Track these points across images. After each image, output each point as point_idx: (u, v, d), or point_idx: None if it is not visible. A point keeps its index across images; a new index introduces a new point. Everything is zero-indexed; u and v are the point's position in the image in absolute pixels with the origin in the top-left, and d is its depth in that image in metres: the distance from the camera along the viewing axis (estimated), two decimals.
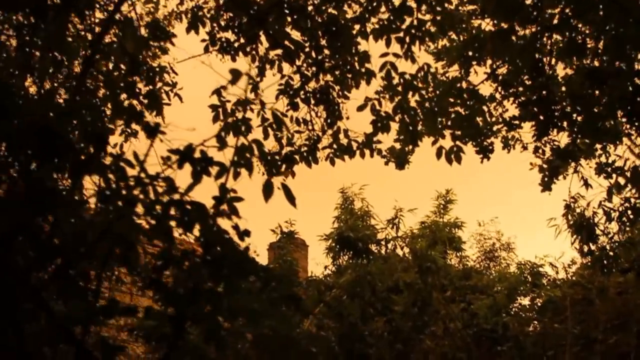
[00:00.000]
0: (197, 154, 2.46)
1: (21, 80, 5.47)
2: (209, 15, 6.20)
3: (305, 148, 5.16)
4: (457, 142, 5.36)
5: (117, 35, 6.77)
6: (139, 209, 2.29)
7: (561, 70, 7.31)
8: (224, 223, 2.51)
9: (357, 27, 5.31)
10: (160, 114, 6.59)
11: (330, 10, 5.01)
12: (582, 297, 9.35)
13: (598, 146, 7.76)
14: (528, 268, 10.55)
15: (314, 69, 5.63)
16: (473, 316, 8.35)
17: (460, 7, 6.24)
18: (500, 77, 6.64)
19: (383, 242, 9.01)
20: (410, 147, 7.40)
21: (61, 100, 5.98)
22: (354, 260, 8.86)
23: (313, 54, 5.64)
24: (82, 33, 6.44)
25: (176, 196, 2.37)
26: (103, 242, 2.26)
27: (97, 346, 2.29)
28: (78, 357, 2.16)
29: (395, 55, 3.79)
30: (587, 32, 6.47)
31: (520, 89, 6.74)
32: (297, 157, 5.16)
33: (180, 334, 2.38)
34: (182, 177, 2.31)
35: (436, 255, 8.58)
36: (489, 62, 6.67)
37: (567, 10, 6.19)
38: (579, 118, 7.03)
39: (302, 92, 5.56)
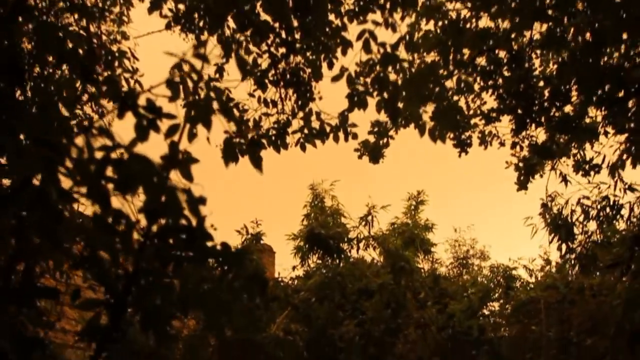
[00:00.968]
0: (142, 102, 2.02)
1: None
2: None
3: (274, 132, 4.74)
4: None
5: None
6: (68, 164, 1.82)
7: (539, 63, 7.15)
8: None
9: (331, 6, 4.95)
10: (118, 100, 6.08)
11: None
12: (556, 300, 9.18)
13: (575, 144, 7.61)
14: (501, 271, 10.36)
15: (283, 49, 5.23)
16: (448, 319, 8.03)
17: None
18: (479, 67, 6.38)
19: (355, 241, 8.61)
20: (385, 140, 7.10)
21: None
22: (324, 260, 8.44)
23: (283, 34, 5.25)
24: None
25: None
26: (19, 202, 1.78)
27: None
28: None
29: (375, 22, 3.42)
30: (566, 23, 6.29)
31: (500, 81, 6.50)
32: (264, 141, 4.73)
33: (117, 324, 1.92)
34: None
35: (409, 255, 8.25)
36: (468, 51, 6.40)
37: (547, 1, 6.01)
38: (557, 114, 6.86)
39: (270, 74, 5.14)
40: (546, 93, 6.78)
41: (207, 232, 2.11)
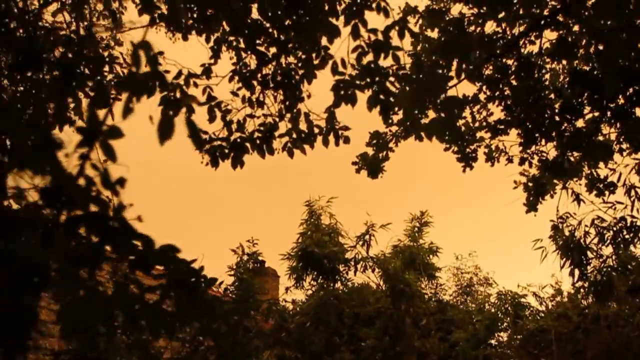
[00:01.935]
0: None
1: None
2: None
3: (259, 134, 4.32)
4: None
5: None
6: None
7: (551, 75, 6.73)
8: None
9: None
10: (107, 106, 5.70)
11: None
12: (568, 330, 8.57)
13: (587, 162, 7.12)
14: (509, 299, 9.77)
15: (274, 49, 4.85)
16: (450, 348, 7.45)
17: None
18: (485, 75, 5.96)
19: (352, 262, 8.08)
20: (385, 152, 6.65)
21: None
22: (318, 281, 7.90)
23: (275, 33, 4.88)
24: None
25: None
26: None
27: None
28: None
29: (365, 5, 3.03)
30: (577, 30, 5.90)
31: (507, 91, 6.07)
32: (248, 144, 4.31)
33: None
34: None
35: (410, 278, 7.70)
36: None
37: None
38: (569, 127, 6.40)
39: (259, 75, 4.75)
40: (557, 106, 6.34)
41: (126, 222, 1.68)
